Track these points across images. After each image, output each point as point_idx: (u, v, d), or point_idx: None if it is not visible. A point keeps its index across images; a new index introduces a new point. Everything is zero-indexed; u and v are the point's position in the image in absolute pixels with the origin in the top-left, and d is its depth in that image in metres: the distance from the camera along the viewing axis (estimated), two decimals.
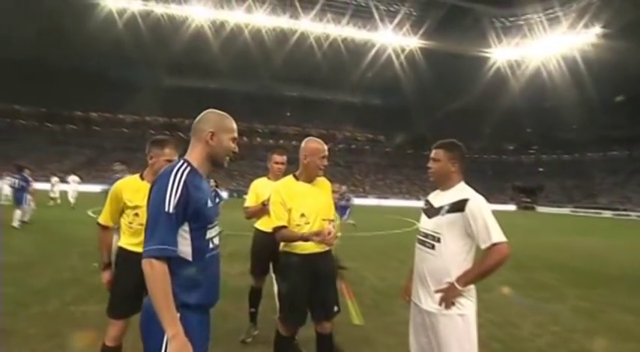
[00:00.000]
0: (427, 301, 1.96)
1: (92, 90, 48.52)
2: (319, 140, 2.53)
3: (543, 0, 43.01)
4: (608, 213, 39.29)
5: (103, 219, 2.45)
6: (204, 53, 46.02)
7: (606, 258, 9.47)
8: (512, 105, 51.45)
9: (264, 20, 46.11)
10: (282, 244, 2.53)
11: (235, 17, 45.59)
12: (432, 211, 2.06)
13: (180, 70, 49.70)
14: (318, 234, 2.26)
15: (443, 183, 2.08)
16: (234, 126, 1.61)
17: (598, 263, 8.56)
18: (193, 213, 1.40)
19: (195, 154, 1.53)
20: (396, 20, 46.98)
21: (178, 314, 1.36)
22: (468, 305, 1.91)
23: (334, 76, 50.28)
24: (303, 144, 2.51)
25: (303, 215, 2.43)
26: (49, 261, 6.07)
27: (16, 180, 9.98)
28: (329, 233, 2.22)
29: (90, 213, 13.56)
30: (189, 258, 1.41)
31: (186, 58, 47.01)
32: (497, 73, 51.59)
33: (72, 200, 16.58)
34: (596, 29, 40.73)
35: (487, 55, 50.80)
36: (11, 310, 3.75)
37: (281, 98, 55.58)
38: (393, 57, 50.65)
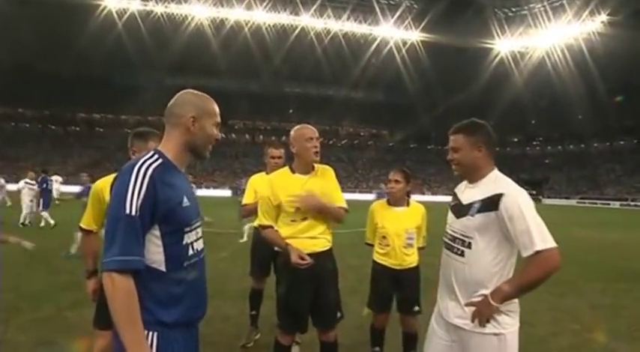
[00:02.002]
0: (456, 313, 1.63)
1: (94, 91, 48.59)
2: (307, 125, 2.32)
3: None
4: (615, 204, 38.77)
5: (86, 222, 2.26)
6: (204, 52, 45.81)
7: (624, 250, 9.15)
8: (516, 97, 50.80)
9: (265, 17, 45.77)
10: None
11: (235, 15, 45.31)
12: (460, 209, 1.69)
13: (181, 70, 49.57)
14: (296, 254, 2.07)
15: (470, 174, 1.70)
16: (217, 109, 1.37)
17: (615, 256, 8.26)
18: (164, 214, 1.18)
19: (171, 144, 1.30)
20: (397, 14, 46.41)
21: (155, 333, 1.16)
22: (507, 322, 1.55)
23: (336, 71, 49.86)
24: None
25: (298, 209, 2.20)
26: (47, 265, 5.94)
27: (51, 182, 10.57)
28: (302, 259, 2.06)
29: None
30: (163, 269, 1.19)
31: (187, 58, 46.85)
32: (500, 64, 50.90)
33: (56, 197, 17.67)
34: (602, 17, 39.88)
35: (490, 46, 50.09)
36: (4, 317, 3.60)
37: (283, 95, 55.28)
38: (395, 51, 50.12)
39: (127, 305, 1.10)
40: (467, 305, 1.59)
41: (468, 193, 1.70)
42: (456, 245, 1.67)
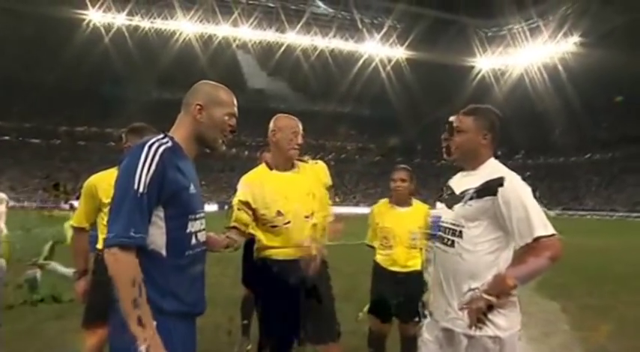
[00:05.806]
0: (448, 315, 1.49)
1: (79, 104, 47.86)
2: (292, 117, 2.07)
3: (524, 10, 44.46)
4: (594, 215, 39.88)
5: (77, 220, 2.20)
6: (191, 67, 45.87)
7: (607, 255, 9.44)
8: (498, 112, 52.55)
9: (251, 34, 46.52)
10: (255, 249, 2.02)
11: (222, 31, 45.92)
12: (453, 199, 1.58)
13: (168, 84, 49.40)
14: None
15: (468, 161, 1.59)
16: (232, 99, 1.33)
17: (600, 260, 8.52)
18: (170, 196, 1.15)
19: (180, 131, 1.29)
20: (382, 32, 47.91)
21: (154, 321, 1.11)
22: (503, 325, 1.39)
23: (323, 87, 50.68)
24: (271, 123, 2.03)
25: (279, 213, 1.92)
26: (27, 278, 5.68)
27: None
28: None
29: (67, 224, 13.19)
30: (163, 253, 1.16)
31: (173, 72, 46.79)
32: (482, 81, 52.77)
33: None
34: (575, 38, 42.12)
35: (472, 64, 51.98)
36: None
37: (269, 110, 55.42)
38: (380, 68, 51.44)
39: (131, 277, 1.06)
40: (460, 309, 1.43)
41: (463, 182, 1.60)
42: (446, 235, 1.55)
